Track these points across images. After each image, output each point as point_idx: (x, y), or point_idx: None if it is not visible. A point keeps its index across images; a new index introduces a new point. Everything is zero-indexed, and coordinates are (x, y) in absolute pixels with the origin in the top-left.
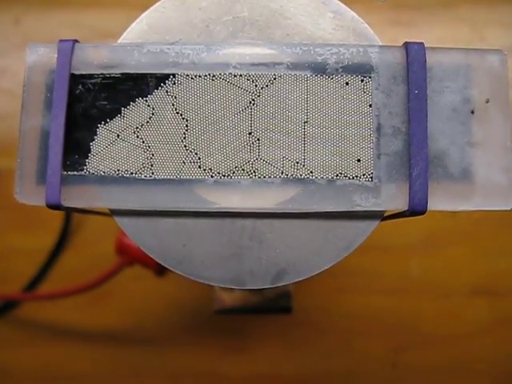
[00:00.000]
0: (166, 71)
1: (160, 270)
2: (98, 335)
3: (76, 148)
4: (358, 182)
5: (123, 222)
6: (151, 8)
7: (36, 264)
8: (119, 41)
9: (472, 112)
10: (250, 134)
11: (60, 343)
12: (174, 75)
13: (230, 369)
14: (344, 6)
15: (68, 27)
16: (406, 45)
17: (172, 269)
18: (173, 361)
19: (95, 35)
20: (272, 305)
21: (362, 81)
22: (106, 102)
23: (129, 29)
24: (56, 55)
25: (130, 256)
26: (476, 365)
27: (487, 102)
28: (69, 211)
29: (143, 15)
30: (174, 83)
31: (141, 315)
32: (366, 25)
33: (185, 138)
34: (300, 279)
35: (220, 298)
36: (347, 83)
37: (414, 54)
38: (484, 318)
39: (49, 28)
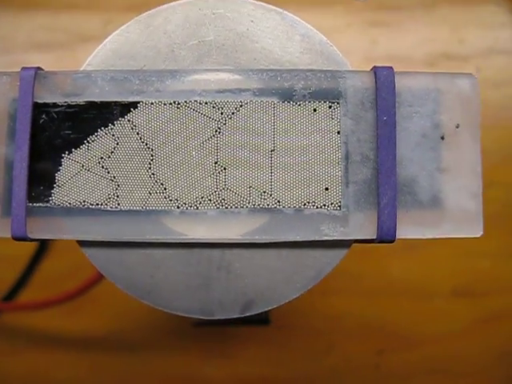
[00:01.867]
0: (131, 99)
1: None
2: (81, 342)
3: (41, 179)
4: (325, 211)
5: (90, 253)
6: (115, 32)
7: (16, 270)
8: (83, 67)
9: (442, 138)
10: (216, 163)
11: (42, 350)
12: (138, 103)
13: (213, 373)
14: (312, 28)
15: (44, 30)
16: (375, 70)
17: (140, 299)
18: (156, 366)
19: (71, 38)
20: (250, 317)
21: (330, 107)
22: (70, 132)
23: (93, 54)
24: (18, 83)
25: None
26: (457, 365)
27: (457, 127)
28: (34, 241)
29: (107, 39)
30: (139, 111)
31: (123, 321)
32: (335, 47)
33: (150, 167)
34: (268, 308)
35: None
36: (315, 109)
37: (382, 80)
38: (465, 319)
39: (25, 31)
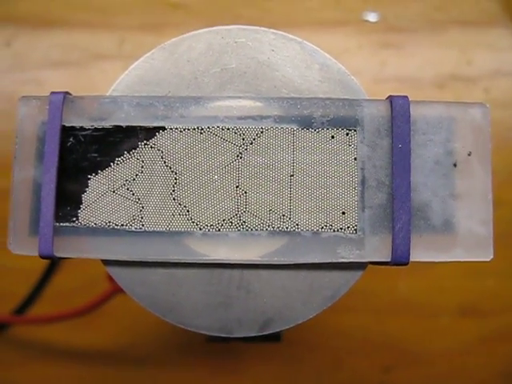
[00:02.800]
0: (155, 124)
1: None
2: (90, 355)
3: (68, 200)
4: (342, 234)
5: (114, 272)
6: (140, 59)
7: (28, 284)
8: (109, 92)
9: (454, 165)
10: (237, 187)
11: (52, 363)
12: (163, 128)
13: None
14: (330, 57)
15: (59, 49)
16: (391, 99)
17: (162, 317)
18: (165, 381)
19: (86, 57)
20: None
21: (348, 134)
22: (96, 154)
23: (118, 80)
24: (47, 107)
25: None
26: (464, 383)
27: (469, 154)
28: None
29: (132, 66)
30: (164, 136)
31: (133, 335)
32: (353, 77)
33: (174, 190)
34: (286, 327)
35: None
36: (333, 136)
37: (398, 108)
38: (471, 337)
39: (40, 49)
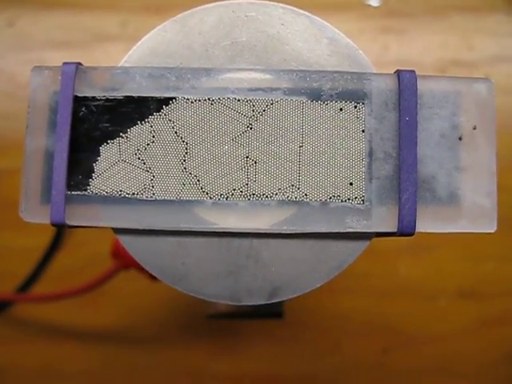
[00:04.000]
0: (167, 95)
1: (155, 276)
2: (93, 334)
3: (79, 168)
4: (350, 204)
5: (125, 240)
6: (152, 31)
7: (30, 263)
8: (120, 63)
9: (460, 138)
10: (247, 157)
11: (55, 342)
12: (174, 99)
13: (222, 368)
14: (339, 32)
15: (62, 29)
16: (398, 73)
17: (171, 285)
18: (166, 360)
19: (89, 38)
20: (264, 310)
21: (356, 107)
22: (108, 124)
23: (130, 52)
24: (60, 77)
25: (125, 260)
26: (462, 366)
27: (474, 128)
28: (72, 228)
29: (144, 38)
30: (175, 107)
31: (135, 315)
32: (360, 51)
33: (184, 160)
34: (293, 296)
35: (213, 304)
36: (341, 109)
37: (405, 82)
38: (470, 320)
39: (43, 30)
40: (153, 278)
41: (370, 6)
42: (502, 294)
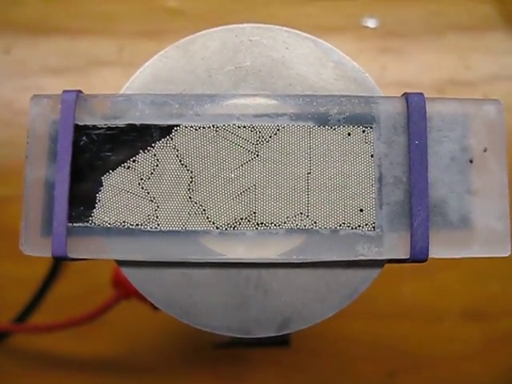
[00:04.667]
0: (170, 122)
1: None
2: (92, 364)
3: (81, 199)
4: (360, 231)
5: (129, 273)
6: (154, 57)
7: (29, 293)
8: (122, 90)
9: (470, 161)
10: (254, 185)
11: (54, 373)
12: (177, 126)
13: None
14: (345, 55)
15: (58, 55)
16: (407, 96)
17: (178, 318)
18: None
19: (85, 63)
20: (272, 339)
21: (364, 131)
22: (110, 153)
23: (132, 78)
24: (59, 106)
25: (126, 289)
26: None
27: (485, 150)
28: (74, 261)
29: (146, 64)
30: (178, 134)
31: (135, 344)
32: (367, 74)
33: (189, 189)
34: (304, 327)
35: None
36: (349, 134)
37: (414, 105)
38: (475, 341)
39: (39, 56)
40: (155, 307)
41: (367, 27)
42: (507, 315)
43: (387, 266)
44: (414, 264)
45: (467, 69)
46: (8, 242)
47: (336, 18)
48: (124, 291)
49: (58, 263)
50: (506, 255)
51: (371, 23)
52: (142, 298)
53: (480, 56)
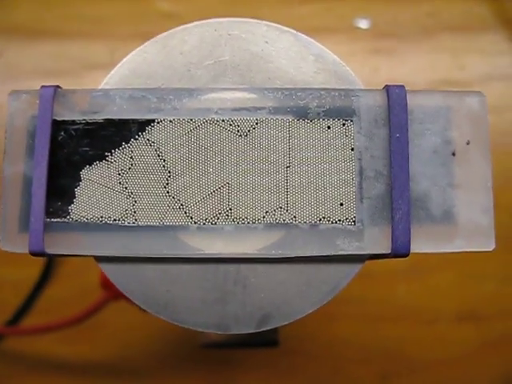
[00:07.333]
0: (148, 117)
1: None
2: (82, 367)
3: (59, 194)
4: (340, 226)
5: (107, 268)
6: (133, 52)
7: (20, 295)
8: (101, 85)
9: (453, 154)
10: (232, 179)
11: (44, 376)
12: (155, 121)
13: None
14: (325, 48)
15: (50, 59)
16: (387, 88)
17: (156, 314)
18: None
19: (77, 66)
20: (259, 339)
21: (344, 124)
22: (88, 148)
23: (110, 73)
24: (38, 101)
25: (115, 291)
26: None
27: (468, 143)
28: (52, 257)
29: (125, 59)
30: (157, 129)
31: (128, 347)
32: (348, 68)
33: (167, 184)
34: (284, 323)
35: (206, 333)
36: (329, 127)
37: (395, 98)
38: (470, 343)
39: (31, 60)
40: (142, 309)
41: (359, 28)
42: (502, 316)
43: (379, 266)
44: (408, 265)
45: (461, 69)
46: None
47: (328, 19)
48: (112, 292)
49: (50, 266)
50: (490, 249)
51: (364, 24)
52: (129, 300)
53: (473, 57)
